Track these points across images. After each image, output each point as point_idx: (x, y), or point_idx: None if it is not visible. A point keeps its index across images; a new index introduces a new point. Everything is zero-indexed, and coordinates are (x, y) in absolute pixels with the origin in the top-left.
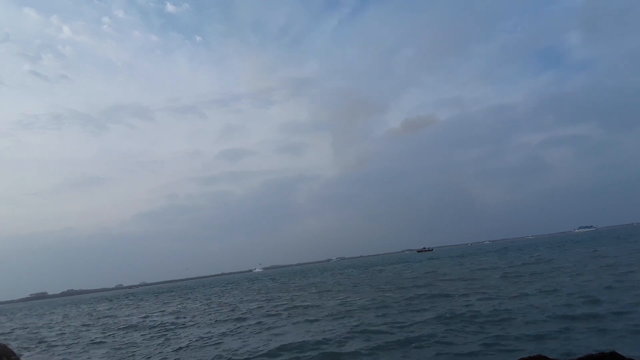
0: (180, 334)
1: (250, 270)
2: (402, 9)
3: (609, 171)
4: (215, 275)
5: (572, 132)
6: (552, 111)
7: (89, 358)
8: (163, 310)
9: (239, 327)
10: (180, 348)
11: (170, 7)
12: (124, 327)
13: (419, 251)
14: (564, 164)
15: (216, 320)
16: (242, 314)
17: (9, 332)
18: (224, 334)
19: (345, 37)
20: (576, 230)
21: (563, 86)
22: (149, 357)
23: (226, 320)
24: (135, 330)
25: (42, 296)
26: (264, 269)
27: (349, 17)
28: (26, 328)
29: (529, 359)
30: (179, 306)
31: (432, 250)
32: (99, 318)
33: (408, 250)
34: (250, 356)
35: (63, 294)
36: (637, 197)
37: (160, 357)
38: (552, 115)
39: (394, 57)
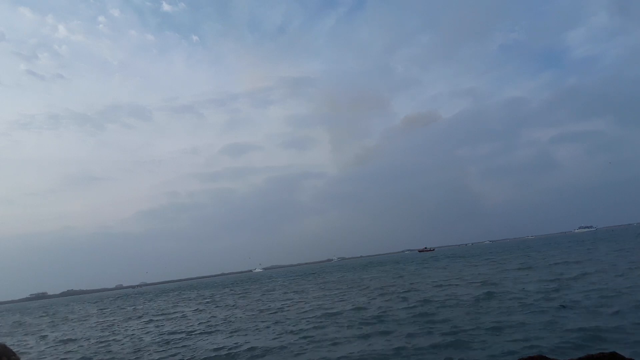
0: None
1: (250, 271)
2: (399, 8)
3: (615, 170)
4: (215, 275)
5: (583, 128)
6: (563, 107)
7: None
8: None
9: None
10: None
11: (166, 7)
12: None
13: (420, 251)
14: (570, 162)
15: None
16: None
17: None
18: None
19: (343, 36)
20: (576, 230)
21: (577, 80)
22: None
23: None
24: None
25: (42, 296)
26: (264, 269)
27: (346, 16)
28: None
29: (529, 359)
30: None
31: (433, 250)
32: None
33: (408, 250)
34: None
35: (63, 294)
36: (638, 197)
37: None
38: (564, 110)
39: (392, 56)
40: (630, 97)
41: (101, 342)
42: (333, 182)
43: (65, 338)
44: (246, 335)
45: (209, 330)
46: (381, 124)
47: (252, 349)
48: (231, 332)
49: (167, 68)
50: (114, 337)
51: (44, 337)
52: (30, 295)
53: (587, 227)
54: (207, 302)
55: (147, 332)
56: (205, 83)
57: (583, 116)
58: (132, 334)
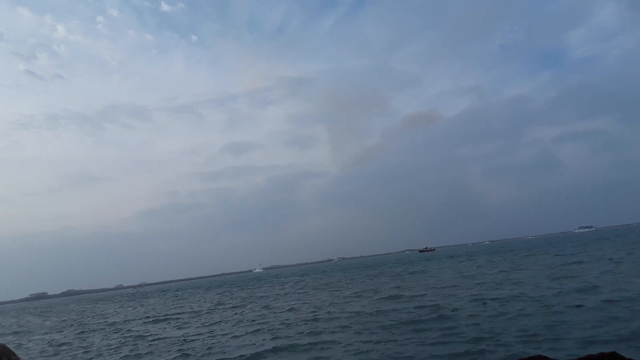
0: None
1: (250, 271)
2: (400, 7)
3: (617, 170)
4: (215, 276)
5: (586, 127)
6: (566, 105)
7: None
8: None
9: None
10: None
11: (164, 6)
12: None
13: (420, 251)
14: (572, 162)
15: None
16: None
17: None
18: None
19: (343, 35)
20: (576, 230)
21: (582, 78)
22: None
23: None
24: None
25: (42, 296)
26: (264, 269)
27: (346, 15)
28: None
29: (529, 358)
30: None
31: (434, 250)
32: None
33: (408, 250)
34: None
35: (63, 294)
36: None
37: None
38: (566, 109)
39: (392, 55)
40: (635, 95)
41: None
42: (333, 181)
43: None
44: None
45: None
46: (382, 124)
47: None
48: None
49: (166, 68)
50: None
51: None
52: (30, 295)
53: (587, 227)
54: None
55: None
56: (205, 83)
57: (586, 115)
58: None
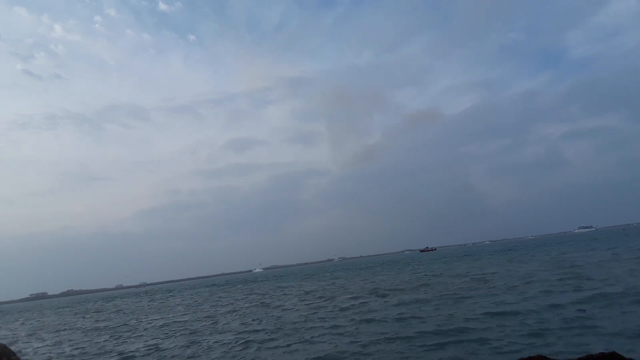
0: None
1: (250, 271)
2: (400, 5)
3: (618, 169)
4: (215, 275)
5: (591, 125)
6: (569, 104)
7: None
8: None
9: None
10: None
11: (162, 6)
12: None
13: (421, 251)
14: (573, 162)
15: None
16: None
17: None
18: None
19: (342, 34)
20: (576, 231)
21: (586, 76)
22: None
23: None
24: None
25: (42, 296)
26: (264, 269)
27: (345, 13)
28: None
29: (529, 358)
30: None
31: (435, 250)
32: None
33: (408, 250)
34: None
35: (63, 294)
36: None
37: None
38: (568, 108)
39: (393, 53)
40: None
41: None
42: (334, 181)
43: None
44: None
45: None
46: (383, 122)
47: None
48: None
49: (165, 68)
50: None
51: None
52: (30, 295)
53: (587, 227)
54: None
55: None
56: (204, 83)
57: (592, 113)
58: None
